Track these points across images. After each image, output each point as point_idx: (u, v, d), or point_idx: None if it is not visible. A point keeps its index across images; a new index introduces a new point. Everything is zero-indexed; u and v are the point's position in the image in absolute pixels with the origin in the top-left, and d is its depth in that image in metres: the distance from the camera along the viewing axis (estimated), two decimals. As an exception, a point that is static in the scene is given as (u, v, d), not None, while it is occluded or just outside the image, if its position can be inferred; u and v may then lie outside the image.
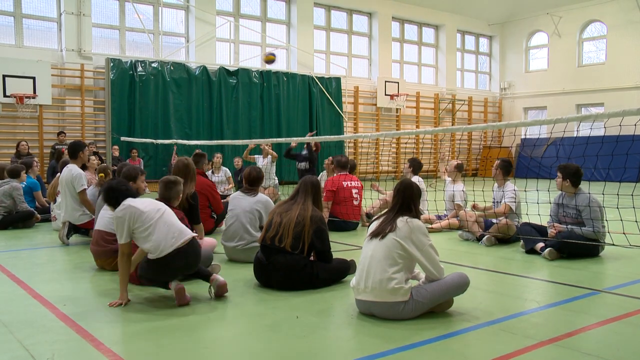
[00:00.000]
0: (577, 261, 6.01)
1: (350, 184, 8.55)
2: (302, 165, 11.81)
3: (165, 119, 16.30)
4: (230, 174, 12.04)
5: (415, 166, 9.05)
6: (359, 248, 6.20)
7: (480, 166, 23.52)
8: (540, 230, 6.53)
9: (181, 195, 5.24)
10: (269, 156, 12.23)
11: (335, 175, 8.71)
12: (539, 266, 5.89)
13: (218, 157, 11.64)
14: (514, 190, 7.11)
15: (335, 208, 8.39)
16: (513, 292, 4.95)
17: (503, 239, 7.05)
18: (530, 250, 6.41)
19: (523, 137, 22.14)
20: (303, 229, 4.77)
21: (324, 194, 8.37)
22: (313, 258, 4.95)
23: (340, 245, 6.99)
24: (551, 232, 6.29)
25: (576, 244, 6.02)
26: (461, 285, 4.08)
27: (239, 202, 6.09)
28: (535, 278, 5.40)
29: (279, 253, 4.78)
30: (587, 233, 6.06)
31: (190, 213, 5.83)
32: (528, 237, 6.46)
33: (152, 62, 16.19)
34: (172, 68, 16.50)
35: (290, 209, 4.90)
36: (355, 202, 8.49)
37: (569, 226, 6.18)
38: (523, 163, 22.15)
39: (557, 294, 4.81)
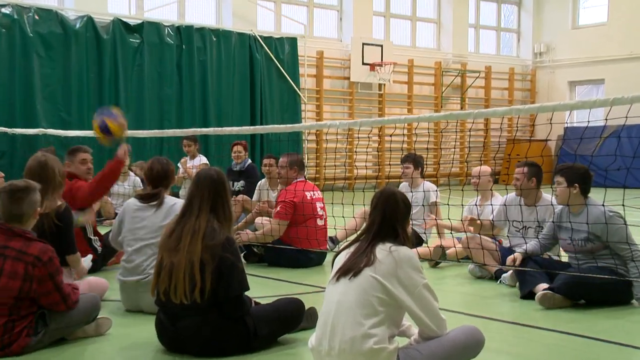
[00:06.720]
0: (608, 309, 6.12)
1: (314, 194, 8.34)
2: (238, 185, 11.05)
3: (28, 97, 15.82)
4: (141, 185, 11.94)
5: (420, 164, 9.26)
6: (322, 290, 6.26)
7: (502, 168, 23.64)
8: (545, 265, 6.59)
9: (38, 210, 4.96)
10: (200, 157, 12.66)
11: (295, 182, 8.32)
12: (575, 317, 5.98)
13: None
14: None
15: (292, 231, 8.08)
16: (546, 355, 5.07)
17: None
18: (529, 294, 6.42)
19: (567, 125, 22.50)
20: (204, 269, 4.56)
21: (278, 209, 8.13)
22: None
23: (295, 286, 7.04)
24: (509, 259, 6.56)
25: (596, 285, 6.11)
26: (472, 346, 4.16)
27: (138, 217, 5.96)
28: (572, 333, 5.47)
29: (188, 312, 4.64)
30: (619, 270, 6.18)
31: (58, 239, 5.51)
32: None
33: (4, 5, 15.81)
34: (37, 17, 16.07)
35: (180, 239, 4.68)
36: (320, 222, 8.33)
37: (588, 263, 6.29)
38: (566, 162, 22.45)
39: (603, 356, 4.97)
